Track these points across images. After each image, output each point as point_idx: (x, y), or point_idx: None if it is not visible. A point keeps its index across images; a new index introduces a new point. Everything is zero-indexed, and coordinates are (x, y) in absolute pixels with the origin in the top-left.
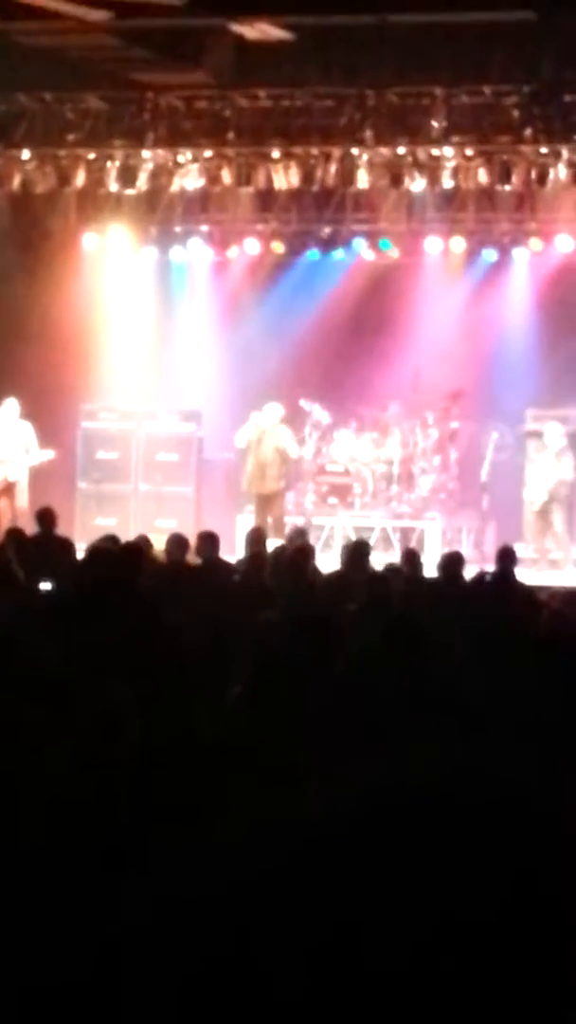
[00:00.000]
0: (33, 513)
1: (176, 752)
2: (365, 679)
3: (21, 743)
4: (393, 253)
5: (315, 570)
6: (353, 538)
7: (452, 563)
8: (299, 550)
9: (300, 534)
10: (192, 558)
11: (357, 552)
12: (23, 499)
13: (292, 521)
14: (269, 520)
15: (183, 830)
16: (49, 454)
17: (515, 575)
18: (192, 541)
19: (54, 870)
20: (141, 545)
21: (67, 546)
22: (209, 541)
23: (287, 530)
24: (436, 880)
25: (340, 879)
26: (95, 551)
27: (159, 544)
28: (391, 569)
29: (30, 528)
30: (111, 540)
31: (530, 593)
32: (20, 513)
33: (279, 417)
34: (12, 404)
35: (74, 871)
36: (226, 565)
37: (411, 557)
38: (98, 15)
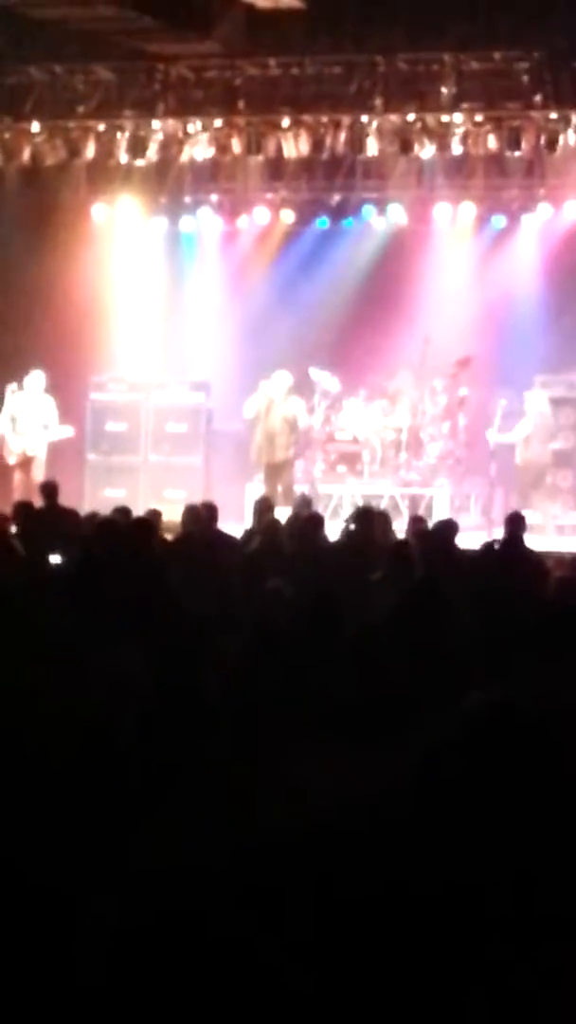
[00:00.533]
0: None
1: (184, 717)
2: (381, 646)
3: (29, 708)
4: (400, 219)
5: (325, 538)
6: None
7: (447, 531)
8: (308, 519)
9: (306, 503)
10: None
11: (368, 518)
12: (40, 473)
13: (300, 490)
14: (279, 489)
15: (188, 795)
16: (68, 431)
17: (523, 541)
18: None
19: (62, 832)
20: (151, 519)
21: (73, 517)
22: (207, 512)
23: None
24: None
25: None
26: (105, 523)
27: (170, 515)
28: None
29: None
30: (122, 512)
31: (539, 560)
32: (35, 488)
33: (287, 386)
34: (38, 376)
35: (82, 833)
36: (226, 536)
37: (417, 523)
38: None
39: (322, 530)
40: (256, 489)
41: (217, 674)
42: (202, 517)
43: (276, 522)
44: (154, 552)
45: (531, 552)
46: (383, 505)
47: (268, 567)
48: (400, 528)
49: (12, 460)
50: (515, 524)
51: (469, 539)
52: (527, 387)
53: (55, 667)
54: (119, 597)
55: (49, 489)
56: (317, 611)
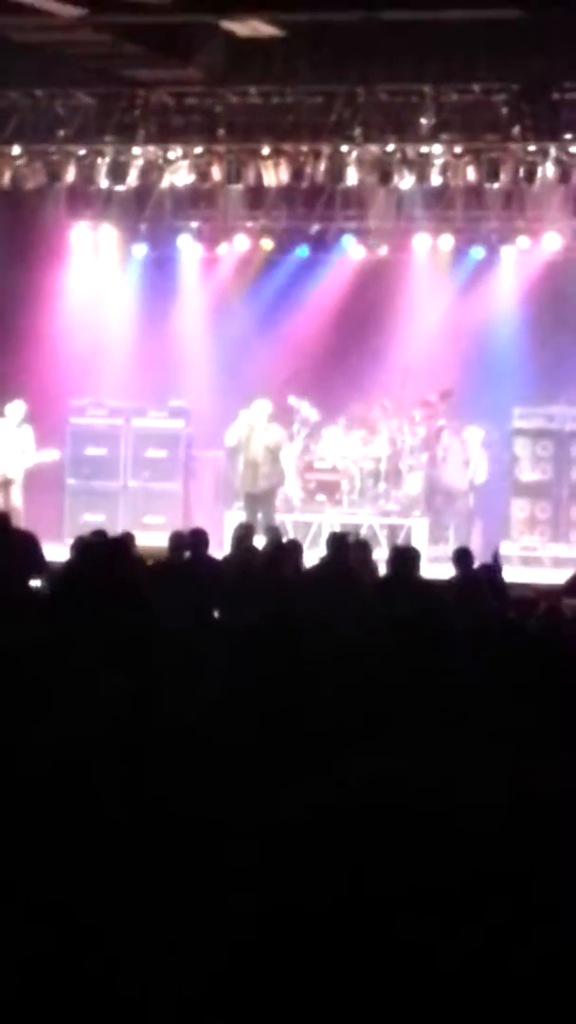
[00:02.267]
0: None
1: (164, 742)
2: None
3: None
4: (381, 250)
5: (298, 567)
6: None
7: (404, 559)
8: (280, 548)
9: (273, 532)
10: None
11: (342, 545)
12: (18, 497)
13: (281, 518)
14: (259, 517)
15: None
16: (54, 454)
17: (474, 574)
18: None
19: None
20: (126, 539)
21: (29, 539)
22: (196, 538)
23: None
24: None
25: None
26: (81, 545)
27: (149, 541)
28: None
29: (24, 526)
30: (99, 535)
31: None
32: (15, 511)
33: (267, 414)
34: (19, 407)
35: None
36: (213, 561)
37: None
38: (76, 12)
39: (298, 558)
40: (236, 516)
41: (196, 698)
42: (187, 543)
43: (254, 550)
44: (132, 572)
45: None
46: (362, 534)
47: (244, 594)
48: (379, 558)
49: None
50: (463, 560)
51: (446, 570)
52: (506, 419)
53: (33, 694)
54: (98, 620)
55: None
56: (275, 637)
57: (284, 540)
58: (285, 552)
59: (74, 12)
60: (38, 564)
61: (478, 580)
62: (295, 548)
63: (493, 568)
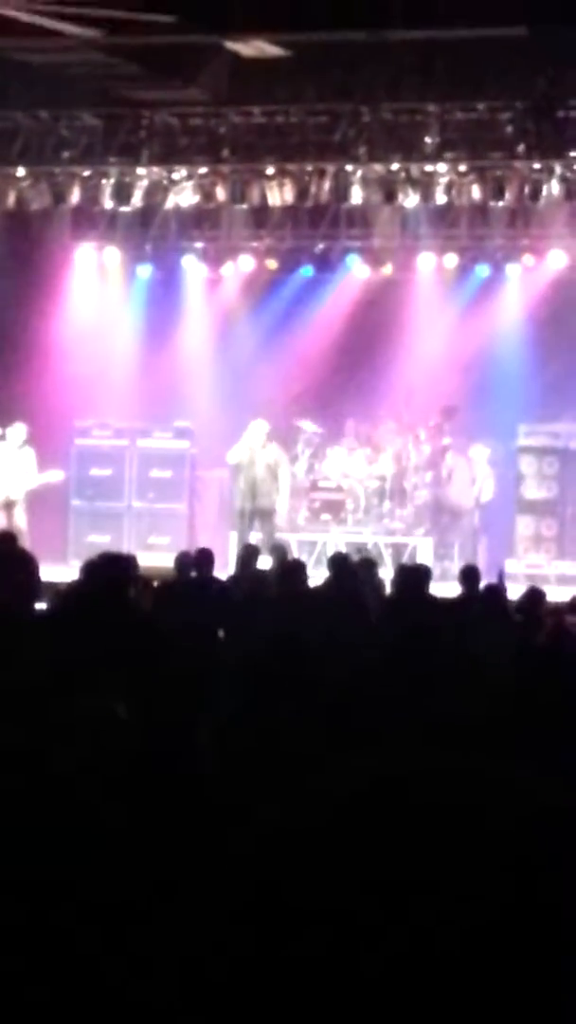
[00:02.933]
0: (31, 531)
1: (172, 766)
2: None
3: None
4: (386, 269)
5: (305, 585)
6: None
7: (415, 577)
8: (290, 567)
9: (282, 551)
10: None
11: (343, 565)
12: (22, 518)
13: (286, 537)
14: (262, 536)
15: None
16: (58, 475)
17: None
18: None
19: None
20: (130, 559)
21: (27, 560)
22: (205, 558)
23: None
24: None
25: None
26: (88, 566)
27: (153, 561)
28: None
29: (29, 547)
30: (106, 557)
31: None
32: (19, 532)
33: (265, 433)
34: (20, 429)
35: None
36: (219, 581)
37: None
38: (91, 33)
39: (303, 576)
40: (240, 536)
41: (204, 720)
42: (192, 563)
43: (261, 570)
44: (132, 594)
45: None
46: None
47: (253, 614)
48: (385, 577)
49: None
50: (469, 578)
51: (452, 589)
52: (511, 437)
53: (33, 714)
54: (101, 641)
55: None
56: (280, 656)
57: (290, 559)
58: (292, 571)
59: (89, 33)
60: (33, 589)
61: (485, 599)
62: (298, 568)
63: (498, 588)
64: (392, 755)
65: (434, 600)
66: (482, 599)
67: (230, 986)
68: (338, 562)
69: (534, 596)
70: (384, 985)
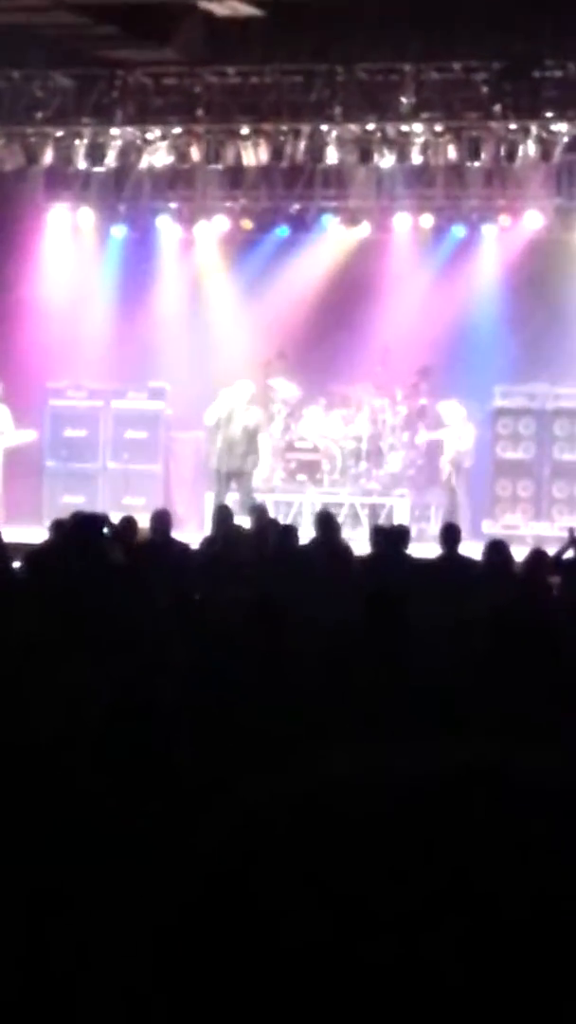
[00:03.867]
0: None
1: (142, 729)
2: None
3: None
4: (362, 230)
5: (289, 547)
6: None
7: (393, 538)
8: (286, 529)
9: (262, 512)
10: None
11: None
12: None
13: (261, 498)
14: (237, 497)
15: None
16: (31, 434)
17: (459, 552)
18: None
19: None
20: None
21: None
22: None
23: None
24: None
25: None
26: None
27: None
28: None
29: (3, 508)
30: (77, 516)
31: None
32: None
33: (249, 395)
34: None
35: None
36: (180, 544)
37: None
38: None
39: (291, 539)
40: (217, 497)
41: (173, 682)
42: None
43: (237, 529)
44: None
45: (469, 561)
46: (343, 515)
47: (227, 574)
48: (361, 537)
49: None
50: (449, 535)
51: (429, 550)
52: (488, 398)
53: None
54: (74, 606)
55: None
56: (260, 617)
57: (276, 521)
58: (273, 531)
59: None
60: None
61: (464, 559)
62: (289, 530)
63: (501, 546)
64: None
65: (411, 560)
66: (486, 558)
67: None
68: (324, 520)
69: (538, 558)
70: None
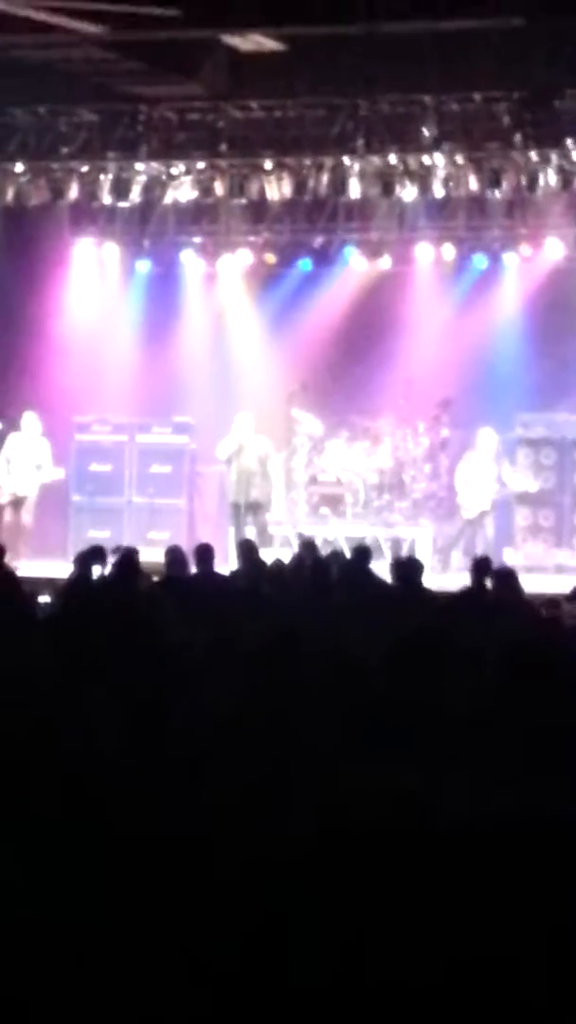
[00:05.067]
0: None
1: (171, 760)
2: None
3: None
4: (384, 262)
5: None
6: (345, 548)
7: (409, 569)
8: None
9: (310, 547)
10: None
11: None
12: (29, 514)
13: (284, 532)
14: (255, 529)
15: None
16: (60, 473)
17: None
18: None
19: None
20: (133, 555)
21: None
22: (206, 553)
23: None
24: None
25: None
26: (83, 558)
27: (150, 557)
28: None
29: (34, 543)
30: (96, 551)
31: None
32: (25, 528)
33: (253, 425)
34: (32, 419)
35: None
36: (221, 577)
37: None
38: (95, 29)
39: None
40: (237, 531)
41: (202, 716)
42: (184, 559)
43: (262, 563)
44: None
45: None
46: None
47: (253, 609)
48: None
49: (3, 500)
50: (480, 570)
51: (452, 580)
52: (509, 427)
53: (32, 713)
54: (100, 641)
55: None
56: (278, 650)
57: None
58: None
59: (91, 29)
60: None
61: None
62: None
63: (508, 576)
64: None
65: (429, 595)
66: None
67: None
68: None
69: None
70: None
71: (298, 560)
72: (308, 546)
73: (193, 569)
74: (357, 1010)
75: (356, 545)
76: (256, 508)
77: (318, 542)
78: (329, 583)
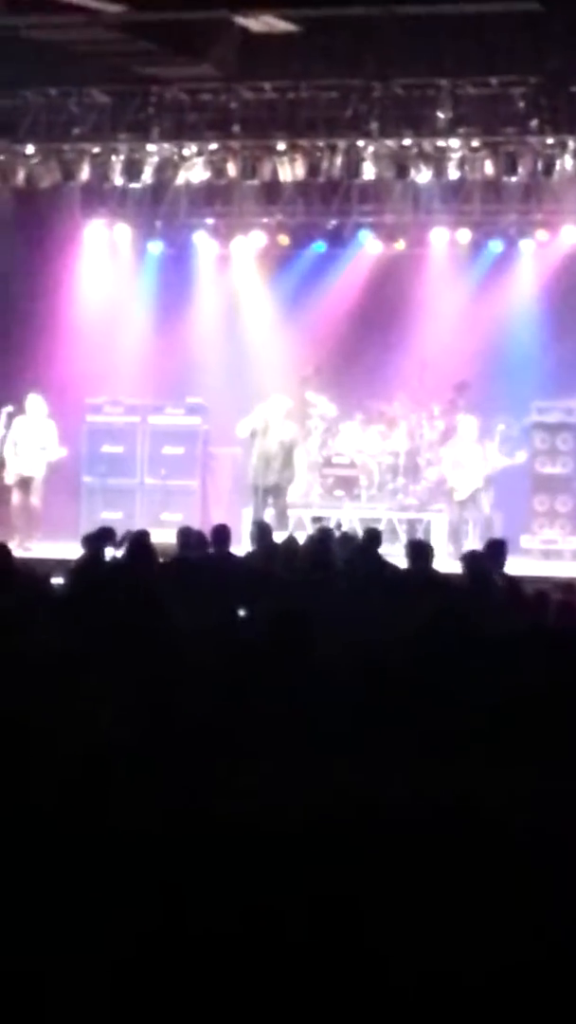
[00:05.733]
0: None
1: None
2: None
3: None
4: (399, 245)
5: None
6: (359, 530)
7: (421, 552)
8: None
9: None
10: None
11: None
12: (37, 495)
13: (299, 514)
14: (272, 512)
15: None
16: (61, 452)
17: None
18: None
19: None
20: (144, 538)
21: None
22: (223, 534)
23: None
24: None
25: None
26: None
27: (162, 538)
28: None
29: (46, 525)
30: (106, 531)
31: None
32: (35, 510)
33: (285, 410)
34: (37, 401)
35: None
36: (235, 558)
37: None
38: (114, 8)
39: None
40: (255, 512)
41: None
42: (197, 540)
43: (275, 545)
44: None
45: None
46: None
47: (267, 591)
48: (398, 554)
49: (11, 481)
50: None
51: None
52: (525, 413)
53: (47, 690)
54: (113, 619)
55: None
56: (283, 632)
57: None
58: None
59: (109, 8)
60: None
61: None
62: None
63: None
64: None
65: (443, 578)
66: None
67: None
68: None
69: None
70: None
71: (310, 543)
72: (323, 531)
73: (210, 550)
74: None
75: (367, 528)
76: (276, 492)
77: (332, 524)
78: (329, 565)
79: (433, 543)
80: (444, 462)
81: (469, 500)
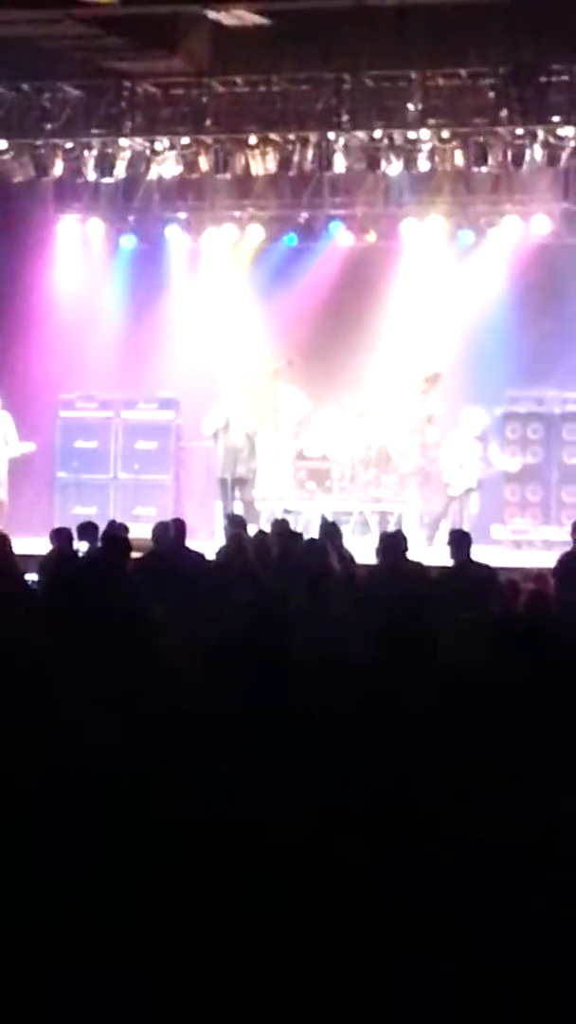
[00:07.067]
0: (15, 504)
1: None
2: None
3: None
4: (370, 237)
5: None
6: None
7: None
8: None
9: (284, 527)
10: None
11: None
12: (2, 491)
13: (271, 507)
14: (240, 505)
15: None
16: (30, 446)
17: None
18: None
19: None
20: (121, 534)
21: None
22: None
23: (269, 520)
24: None
25: None
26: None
27: (137, 533)
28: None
29: (10, 520)
30: (88, 526)
31: (490, 574)
32: (2, 505)
33: (240, 400)
34: None
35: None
36: (195, 553)
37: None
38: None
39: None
40: (224, 506)
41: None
42: (171, 534)
43: (248, 538)
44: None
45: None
46: (352, 522)
47: (238, 582)
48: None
49: None
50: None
51: (440, 556)
52: (497, 402)
53: (25, 684)
54: (89, 614)
55: None
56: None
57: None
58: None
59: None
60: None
61: (474, 565)
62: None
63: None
64: None
65: (416, 569)
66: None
67: None
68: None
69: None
70: None
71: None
72: (278, 523)
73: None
74: None
75: (323, 522)
76: (242, 483)
77: (303, 517)
78: (271, 560)
79: (406, 533)
80: (444, 455)
81: (460, 497)
